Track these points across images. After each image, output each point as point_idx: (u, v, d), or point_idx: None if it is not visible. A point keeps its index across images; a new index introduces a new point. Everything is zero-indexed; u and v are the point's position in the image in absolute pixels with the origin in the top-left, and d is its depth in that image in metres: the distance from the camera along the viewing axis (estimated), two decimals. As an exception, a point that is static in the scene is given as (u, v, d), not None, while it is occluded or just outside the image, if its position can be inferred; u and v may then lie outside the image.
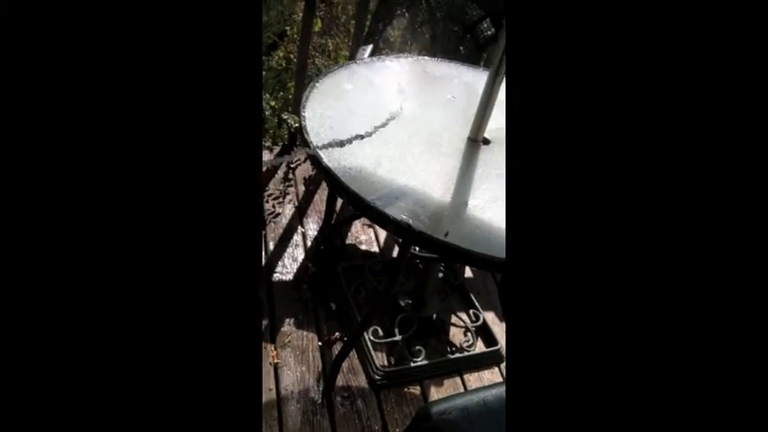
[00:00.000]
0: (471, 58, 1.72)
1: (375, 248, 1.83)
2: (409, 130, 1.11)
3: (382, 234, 1.87)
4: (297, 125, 1.97)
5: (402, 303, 1.56)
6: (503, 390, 0.94)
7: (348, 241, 1.82)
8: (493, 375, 1.50)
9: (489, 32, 1.70)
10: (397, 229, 0.87)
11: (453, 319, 1.60)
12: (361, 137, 1.04)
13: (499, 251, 0.84)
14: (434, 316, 1.56)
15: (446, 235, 0.84)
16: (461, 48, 1.76)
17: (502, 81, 1.03)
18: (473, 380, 1.47)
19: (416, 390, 1.41)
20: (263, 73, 2.49)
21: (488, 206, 0.94)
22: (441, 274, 1.69)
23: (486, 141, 1.11)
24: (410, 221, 0.86)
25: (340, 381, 1.38)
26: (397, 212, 0.87)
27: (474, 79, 1.31)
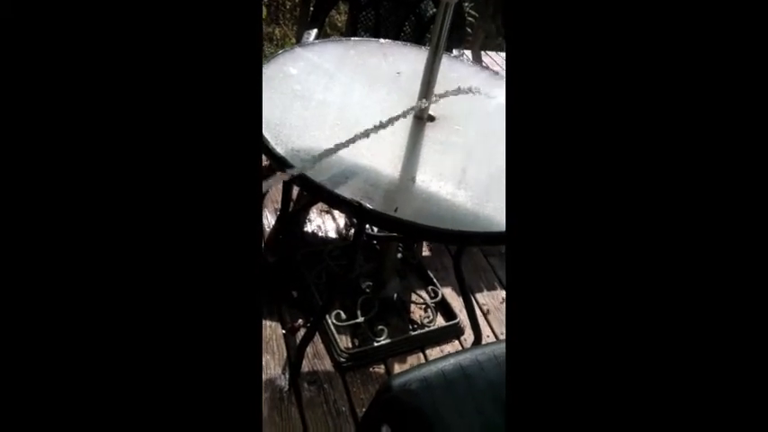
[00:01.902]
0: (415, 37, 1.73)
1: (333, 234, 1.83)
2: (356, 111, 1.12)
3: (340, 219, 1.88)
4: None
5: (363, 286, 1.57)
6: (459, 359, 0.97)
7: (306, 229, 1.82)
8: (453, 348, 1.54)
9: (431, 11, 1.71)
10: (349, 208, 0.88)
11: (413, 297, 1.63)
12: (308, 119, 1.04)
13: (448, 223, 0.86)
14: (395, 295, 1.59)
15: (395, 210, 0.86)
16: (405, 27, 1.77)
17: (441, 58, 1.04)
18: (435, 354, 1.51)
19: (381, 369, 1.44)
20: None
21: (435, 181, 0.96)
22: (399, 255, 1.71)
23: (432, 118, 1.13)
24: (361, 200, 0.86)
25: (305, 366, 1.38)
26: (349, 192, 0.88)
27: (418, 58, 1.32)
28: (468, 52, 2.25)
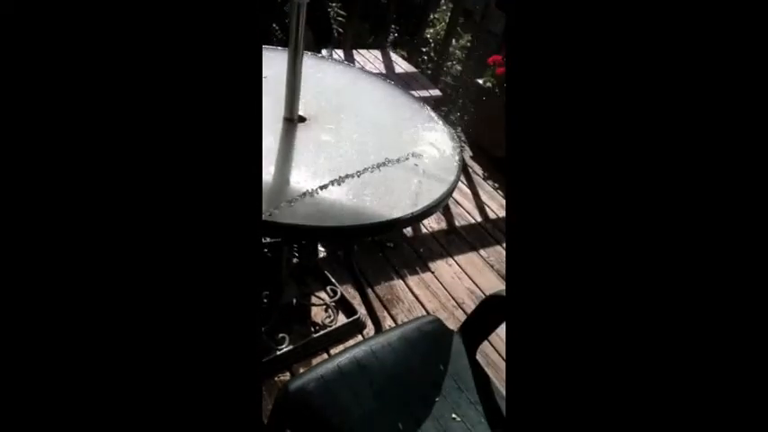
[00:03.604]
0: (284, 41, 1.72)
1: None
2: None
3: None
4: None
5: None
6: (354, 351, 0.99)
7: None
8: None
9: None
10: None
11: (313, 299, 1.63)
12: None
13: (329, 221, 0.87)
14: (294, 301, 1.57)
15: (270, 216, 0.85)
16: (277, 32, 1.75)
17: (302, 59, 1.05)
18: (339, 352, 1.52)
19: (287, 376, 1.42)
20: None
21: (310, 180, 0.97)
22: (295, 260, 1.70)
23: (302, 119, 1.13)
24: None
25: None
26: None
27: (284, 61, 1.31)
28: (340, 52, 2.28)
